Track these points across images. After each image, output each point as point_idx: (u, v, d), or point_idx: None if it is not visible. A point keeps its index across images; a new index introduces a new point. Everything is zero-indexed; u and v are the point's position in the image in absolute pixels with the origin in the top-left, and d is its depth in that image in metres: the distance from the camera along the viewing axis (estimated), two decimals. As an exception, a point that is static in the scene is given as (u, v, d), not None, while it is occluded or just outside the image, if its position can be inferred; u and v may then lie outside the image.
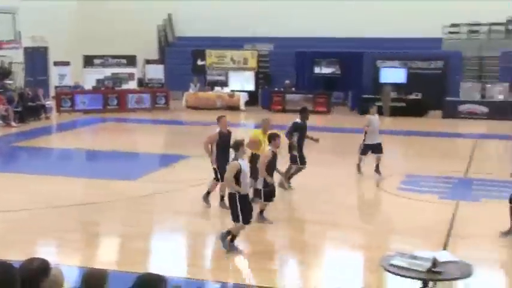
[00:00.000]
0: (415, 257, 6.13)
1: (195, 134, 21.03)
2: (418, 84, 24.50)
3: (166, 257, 8.89)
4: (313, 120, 22.40)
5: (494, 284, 8.03)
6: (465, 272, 6.08)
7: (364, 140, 13.72)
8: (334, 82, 26.37)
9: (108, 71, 26.39)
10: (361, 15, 27.40)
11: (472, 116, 23.94)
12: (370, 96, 25.07)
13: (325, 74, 26.66)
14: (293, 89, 26.49)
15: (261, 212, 10.19)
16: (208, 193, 11.24)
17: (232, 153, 9.31)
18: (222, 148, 10.85)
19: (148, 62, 27.48)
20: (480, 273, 6.85)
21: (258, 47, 28.82)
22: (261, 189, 9.98)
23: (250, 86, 27.70)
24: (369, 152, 13.73)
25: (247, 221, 8.61)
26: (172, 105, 26.60)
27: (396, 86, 24.86)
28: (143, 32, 29.66)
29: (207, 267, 8.80)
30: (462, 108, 24.19)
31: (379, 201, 12.17)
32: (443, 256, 6.28)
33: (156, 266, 8.33)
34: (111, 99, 25.55)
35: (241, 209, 8.50)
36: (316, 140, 12.55)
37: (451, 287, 7.46)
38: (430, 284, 6.47)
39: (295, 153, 12.14)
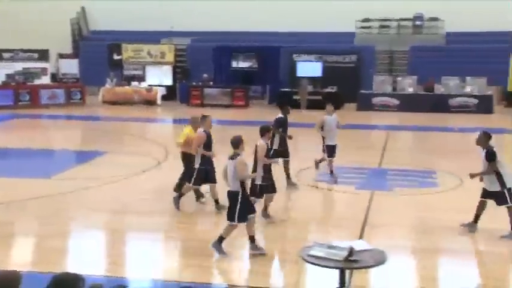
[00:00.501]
0: (332, 247, 6.28)
1: (112, 130, 20.70)
2: (334, 78, 25.10)
3: (84, 255, 8.68)
4: (231, 115, 22.39)
5: (407, 271, 8.35)
6: (379, 260, 6.30)
7: (324, 142, 13.20)
8: (251, 76, 26.58)
9: (18, 66, 25.50)
10: (277, 9, 27.74)
11: (384, 108, 24.77)
12: (287, 89, 25.48)
13: (243, 68, 26.83)
14: (211, 83, 26.48)
15: (265, 208, 10.08)
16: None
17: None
18: (207, 148, 10.48)
19: (61, 56, 26.74)
20: (394, 260, 7.10)
21: (176, 41, 28.62)
22: (257, 185, 9.72)
23: (168, 81, 27.48)
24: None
25: (243, 219, 8.44)
26: (88, 101, 26.00)
27: (312, 80, 25.34)
28: (56, 25, 28.81)
29: (127, 264, 8.67)
30: (375, 100, 24.98)
31: (297, 193, 12.35)
32: (359, 245, 6.47)
33: (73, 265, 8.13)
34: (22, 94, 24.71)
35: (240, 208, 8.38)
36: (290, 137, 12.40)
37: (368, 274, 7.72)
38: (347, 272, 6.66)
39: (280, 148, 12.13)
